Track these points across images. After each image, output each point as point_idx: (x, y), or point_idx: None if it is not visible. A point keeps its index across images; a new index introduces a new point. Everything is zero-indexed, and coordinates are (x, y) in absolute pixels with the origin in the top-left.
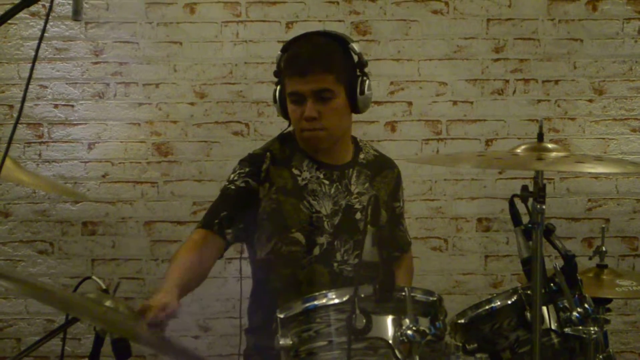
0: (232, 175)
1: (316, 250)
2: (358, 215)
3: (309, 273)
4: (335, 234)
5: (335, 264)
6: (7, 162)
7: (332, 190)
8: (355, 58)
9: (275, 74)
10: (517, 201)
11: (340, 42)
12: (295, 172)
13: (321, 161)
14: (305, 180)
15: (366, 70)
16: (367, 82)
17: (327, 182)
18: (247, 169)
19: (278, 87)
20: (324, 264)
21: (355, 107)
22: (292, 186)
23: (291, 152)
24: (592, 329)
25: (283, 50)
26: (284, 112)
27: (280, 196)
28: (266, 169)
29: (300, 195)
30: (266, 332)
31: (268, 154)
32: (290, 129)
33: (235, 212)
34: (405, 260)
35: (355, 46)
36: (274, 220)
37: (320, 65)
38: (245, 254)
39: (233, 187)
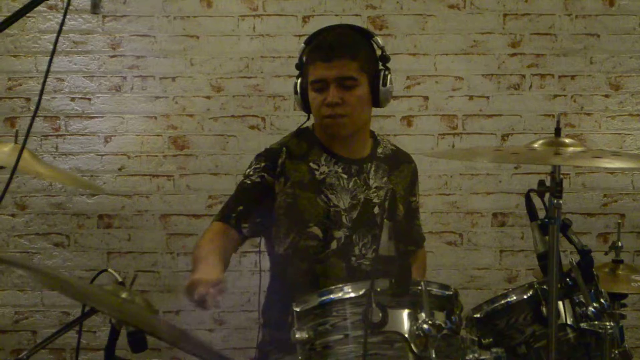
0: (248, 170)
1: (334, 245)
2: (376, 210)
3: (326, 267)
4: (353, 228)
5: (353, 258)
6: (25, 155)
7: (351, 184)
8: (379, 51)
9: (297, 66)
10: (533, 196)
11: (364, 35)
12: (313, 166)
13: (340, 155)
14: (323, 174)
15: (388, 65)
16: (389, 76)
17: (345, 176)
18: (262, 164)
19: (299, 80)
20: (341, 258)
21: (377, 99)
22: (309, 180)
23: (309, 147)
24: (608, 324)
25: (307, 42)
26: (304, 104)
27: (297, 190)
28: (282, 163)
29: (317, 189)
30: (282, 325)
31: (284, 148)
32: (309, 123)
33: (251, 207)
34: (419, 255)
35: (379, 39)
36: (291, 215)
37: (345, 51)
38: (263, 248)
39: (249, 182)
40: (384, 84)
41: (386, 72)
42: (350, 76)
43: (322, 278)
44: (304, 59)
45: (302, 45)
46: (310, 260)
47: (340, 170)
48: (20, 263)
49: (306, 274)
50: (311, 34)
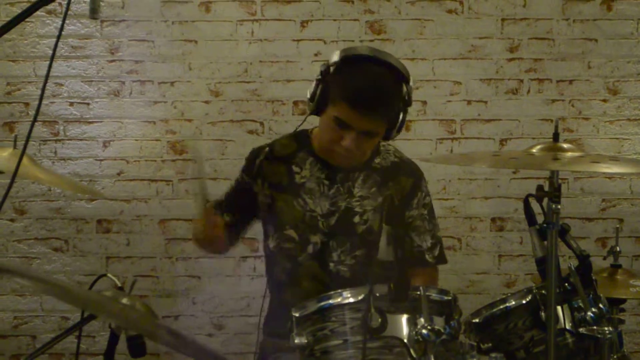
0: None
1: (309, 249)
2: (357, 219)
3: (306, 269)
4: (330, 234)
5: (332, 264)
6: (24, 160)
7: (332, 191)
8: (406, 97)
9: (322, 73)
10: (532, 201)
11: (400, 78)
12: (295, 169)
13: (328, 162)
14: (304, 178)
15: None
16: (406, 117)
17: (327, 182)
18: (244, 165)
19: (320, 87)
20: (319, 263)
21: (389, 137)
22: (287, 183)
23: (298, 149)
24: (606, 329)
25: (342, 56)
26: (316, 112)
27: (274, 192)
28: (259, 163)
29: (295, 193)
30: (273, 318)
31: (267, 148)
32: (309, 127)
33: (231, 202)
34: (419, 274)
35: (411, 82)
36: (269, 216)
37: (379, 110)
38: (261, 252)
39: (234, 181)
40: (399, 130)
41: (405, 115)
42: (374, 131)
43: (302, 279)
44: (333, 72)
45: (336, 57)
46: (292, 261)
47: (323, 176)
48: (18, 271)
49: (289, 273)
50: (347, 54)
